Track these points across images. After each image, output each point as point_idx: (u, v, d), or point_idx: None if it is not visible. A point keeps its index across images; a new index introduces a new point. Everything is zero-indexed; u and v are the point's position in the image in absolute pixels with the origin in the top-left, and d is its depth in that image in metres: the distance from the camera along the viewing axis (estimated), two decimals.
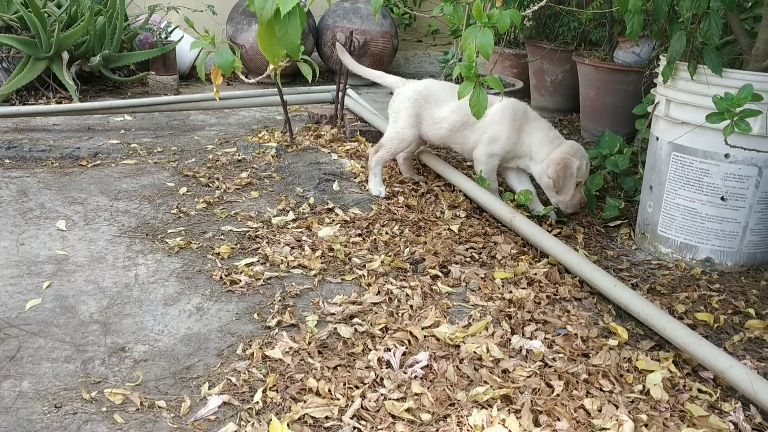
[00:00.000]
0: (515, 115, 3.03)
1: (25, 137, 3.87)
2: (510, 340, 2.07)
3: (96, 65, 4.78)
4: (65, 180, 3.29)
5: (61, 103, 4.54)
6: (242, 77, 3.50)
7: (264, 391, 1.82)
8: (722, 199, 2.54)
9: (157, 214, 2.95)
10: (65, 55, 4.66)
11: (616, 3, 2.63)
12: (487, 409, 1.76)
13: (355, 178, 3.39)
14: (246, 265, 2.51)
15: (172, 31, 5.32)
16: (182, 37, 5.32)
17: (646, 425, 1.71)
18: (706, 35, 2.35)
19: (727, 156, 2.48)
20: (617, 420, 1.71)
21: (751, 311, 2.30)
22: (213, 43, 3.05)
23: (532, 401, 1.78)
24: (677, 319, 2.13)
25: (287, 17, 1.43)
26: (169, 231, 2.77)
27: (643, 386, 1.86)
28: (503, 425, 1.69)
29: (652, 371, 1.92)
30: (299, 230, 2.80)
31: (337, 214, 2.95)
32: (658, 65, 2.73)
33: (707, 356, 1.89)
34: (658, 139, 2.71)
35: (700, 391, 1.88)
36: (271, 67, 3.31)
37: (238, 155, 3.69)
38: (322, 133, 4.02)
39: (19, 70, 4.60)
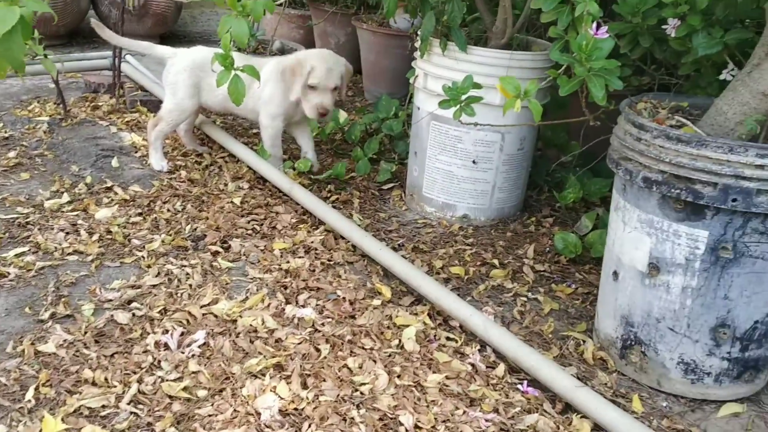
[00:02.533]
0: (286, 71, 3.06)
1: None
2: (284, 309, 2.22)
3: None
4: None
5: None
6: None
7: (36, 388, 1.83)
8: (473, 162, 2.85)
9: None
10: None
11: None
12: (260, 378, 1.91)
13: (136, 152, 3.34)
14: (16, 255, 2.43)
15: None
16: None
17: (398, 376, 1.96)
18: (450, 17, 2.60)
19: (475, 125, 2.79)
20: (374, 374, 1.94)
21: (496, 262, 2.66)
22: None
23: (301, 366, 1.96)
24: (434, 275, 2.41)
25: (8, 35, 1.37)
26: None
27: (399, 341, 2.12)
28: (274, 392, 1.85)
29: (408, 326, 2.18)
30: (75, 213, 2.73)
31: (116, 193, 2.91)
32: (418, 40, 2.96)
33: (453, 307, 2.18)
34: (419, 108, 2.97)
35: (448, 339, 2.17)
36: None
37: (5, 132, 3.45)
38: (100, 103, 3.86)
39: None
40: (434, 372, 1.99)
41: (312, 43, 4.97)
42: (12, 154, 3.20)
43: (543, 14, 2.17)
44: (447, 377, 1.97)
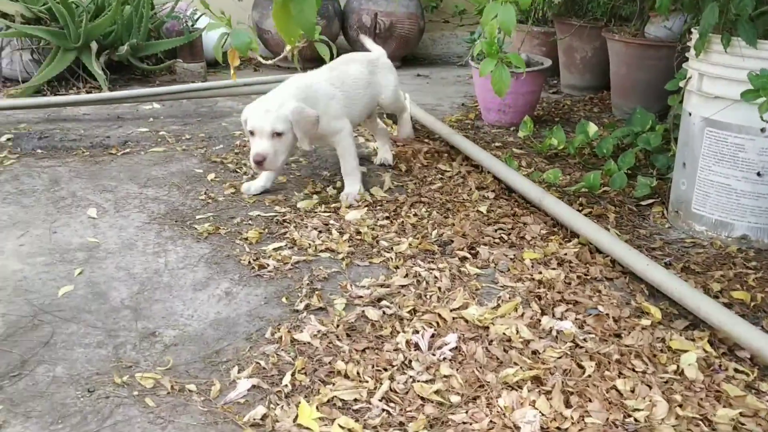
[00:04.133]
0: None
1: (56, 127, 3.93)
2: (540, 321, 2.04)
3: (124, 54, 4.81)
4: (95, 168, 3.32)
5: (90, 92, 4.59)
6: (260, 59, 3.46)
7: (293, 374, 1.82)
8: (758, 174, 2.46)
9: (186, 200, 2.96)
10: (94, 45, 4.70)
11: None
12: (517, 390, 1.74)
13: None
14: (274, 249, 2.52)
15: (198, 19, 5.33)
16: (207, 24, 5.33)
17: (680, 406, 1.67)
18: (738, 6, 2.27)
19: (763, 130, 2.41)
20: (650, 401, 1.68)
21: None
22: (230, 24, 3.03)
23: (563, 382, 1.76)
24: (712, 298, 2.08)
25: None
26: (197, 217, 2.79)
27: (678, 366, 1.83)
28: (533, 407, 1.67)
29: (686, 351, 1.88)
30: (327, 214, 2.79)
31: (364, 198, 2.93)
32: (690, 39, 2.65)
33: (744, 335, 1.84)
34: (690, 114, 2.64)
35: (736, 370, 1.84)
36: (288, 47, 3.28)
37: None
38: None
39: (49, 61, 4.66)
40: (725, 406, 1.68)
41: (555, 59, 4.77)
42: None
43: None
44: (741, 414, 1.65)
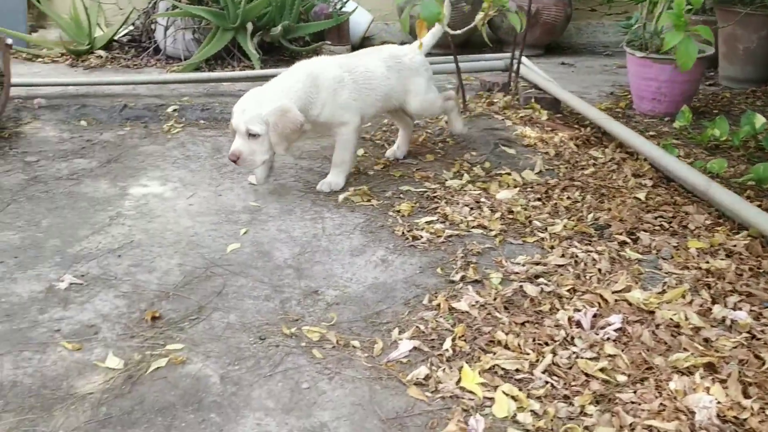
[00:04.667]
0: None
1: (215, 101, 4.15)
2: (711, 309, 1.95)
3: (276, 35, 5.01)
4: None
5: (244, 71, 4.81)
6: (449, 30, 3.43)
7: (453, 340, 1.84)
8: None
9: None
10: (249, 26, 4.93)
11: None
12: (688, 376, 1.67)
13: (531, 144, 3.32)
14: (426, 222, 2.55)
15: (345, 3, 5.46)
16: (356, 8, 5.45)
17: None
18: None
19: None
20: None
21: None
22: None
23: (740, 372, 1.67)
24: None
25: None
26: (350, 188, 2.86)
27: None
28: (708, 393, 1.60)
29: None
30: (477, 192, 2.79)
31: (514, 179, 2.91)
32: None
33: None
34: None
35: None
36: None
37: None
38: (495, 100, 3.96)
39: (209, 40, 4.93)
40: None
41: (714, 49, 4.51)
42: (420, 138, 3.43)
43: None
44: None
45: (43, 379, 1.71)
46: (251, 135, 2.55)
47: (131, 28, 5.80)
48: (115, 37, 5.70)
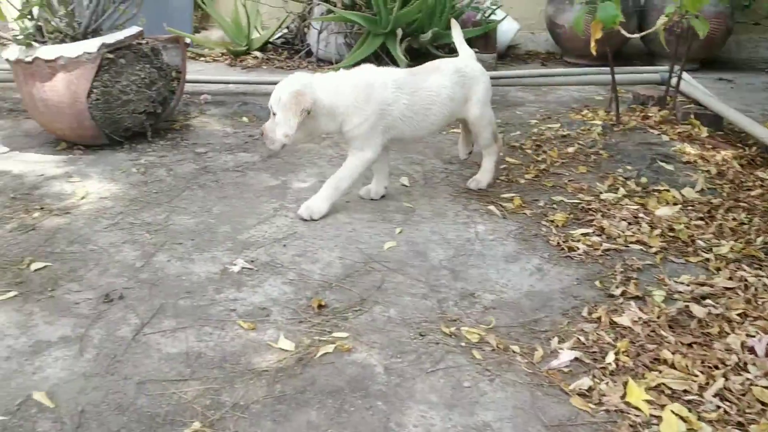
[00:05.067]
0: None
1: None
2: None
3: (425, 42, 5.10)
4: (403, 143, 3.58)
5: None
6: (624, 33, 3.38)
7: (616, 354, 1.82)
8: None
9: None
10: (399, 32, 5.05)
11: None
12: None
13: (691, 161, 3.19)
14: (582, 234, 2.52)
15: (494, 11, 5.47)
16: (505, 17, 5.45)
17: None
18: None
19: None
20: None
21: None
22: None
23: None
24: None
25: None
26: (501, 195, 2.88)
27: None
28: None
29: None
30: (634, 207, 2.73)
31: (674, 196, 2.81)
32: None
33: None
34: None
35: None
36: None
37: (563, 131, 3.69)
38: (650, 114, 3.84)
39: (360, 45, 5.10)
40: None
41: None
42: (570, 149, 3.39)
43: None
44: None
45: (224, 353, 1.85)
46: (272, 113, 2.59)
47: (285, 31, 6.10)
48: (270, 40, 6.01)
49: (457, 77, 2.80)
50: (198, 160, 3.30)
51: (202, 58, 5.77)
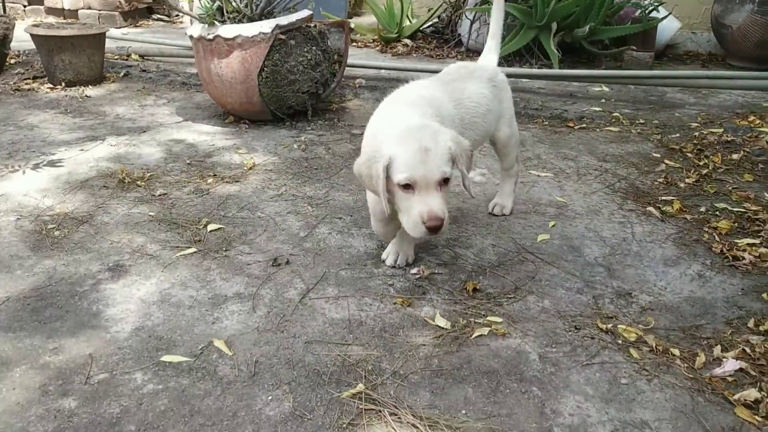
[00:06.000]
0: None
1: (516, 96, 4.27)
2: None
3: (581, 36, 5.00)
4: (555, 137, 3.55)
5: (542, 69, 4.88)
6: None
7: None
8: None
9: (645, 180, 3.00)
10: (554, 26, 4.98)
11: None
12: None
13: None
14: (748, 244, 2.41)
15: (655, 8, 5.27)
16: (668, 15, 5.23)
17: None
18: None
19: None
20: None
21: None
22: None
23: None
24: None
25: None
26: (660, 198, 2.80)
27: None
28: None
29: None
30: None
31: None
32: None
33: None
34: None
35: None
36: None
37: (726, 136, 3.52)
38: None
39: (512, 37, 5.08)
40: None
41: None
42: (735, 156, 3.24)
43: None
44: None
45: (383, 324, 1.94)
46: (440, 182, 1.89)
47: (436, 20, 6.17)
48: (421, 28, 6.11)
49: (492, 84, 2.42)
50: (354, 140, 3.43)
51: (354, 44, 5.95)
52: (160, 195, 2.75)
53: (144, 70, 4.85)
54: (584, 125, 3.76)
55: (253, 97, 3.49)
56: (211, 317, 1.96)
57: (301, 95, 3.59)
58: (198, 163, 3.11)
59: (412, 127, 1.88)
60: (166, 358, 1.77)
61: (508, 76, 4.54)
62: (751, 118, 3.82)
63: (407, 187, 1.84)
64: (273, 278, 2.17)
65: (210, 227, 2.48)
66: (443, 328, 1.93)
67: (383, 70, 4.78)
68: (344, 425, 1.56)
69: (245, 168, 3.05)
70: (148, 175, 2.94)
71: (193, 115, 3.85)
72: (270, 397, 1.64)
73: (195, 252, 2.31)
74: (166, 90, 4.44)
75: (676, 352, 1.84)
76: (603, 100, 4.27)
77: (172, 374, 1.71)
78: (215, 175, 2.96)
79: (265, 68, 3.42)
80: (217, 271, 2.20)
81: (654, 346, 1.85)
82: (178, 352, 1.79)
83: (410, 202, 1.85)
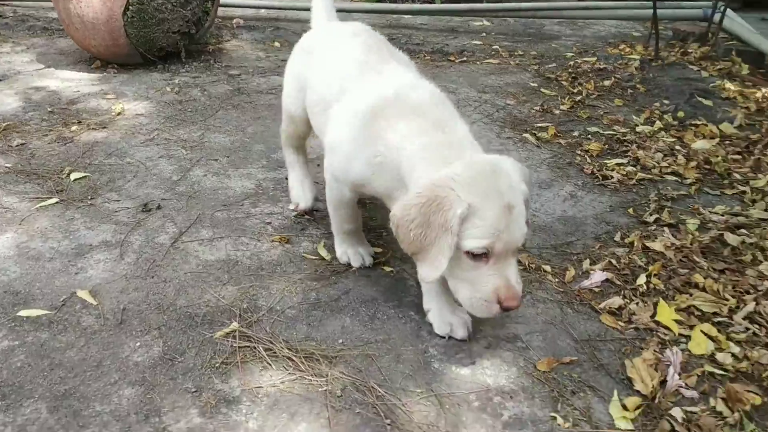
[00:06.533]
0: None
1: (399, 33, 4.23)
2: None
3: None
4: (437, 71, 3.54)
5: (424, 5, 4.85)
6: None
7: (648, 277, 1.83)
8: None
9: (522, 109, 3.05)
10: None
11: None
12: None
13: (730, 98, 3.13)
14: (616, 164, 2.50)
15: None
16: None
17: None
18: None
19: None
20: None
21: None
22: None
23: None
24: None
25: None
26: (535, 125, 2.86)
27: None
28: None
29: None
30: (671, 140, 2.70)
31: (711, 131, 2.77)
32: None
33: None
34: None
35: None
36: None
37: (599, 64, 3.62)
38: (690, 50, 3.76)
39: None
40: None
41: None
42: (607, 82, 3.34)
43: None
44: None
45: (260, 262, 1.89)
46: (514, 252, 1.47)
47: None
48: None
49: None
50: (231, 81, 3.30)
51: None
52: (17, 145, 2.55)
53: None
54: (465, 58, 3.77)
55: (119, 38, 3.28)
56: (74, 268, 1.84)
57: (173, 35, 3.40)
58: (61, 111, 2.90)
59: (486, 169, 1.43)
60: (23, 312, 1.66)
61: (391, 12, 4.51)
62: (622, 46, 3.96)
63: (479, 254, 1.42)
64: (143, 224, 2.06)
65: (74, 176, 2.33)
66: (324, 260, 1.90)
67: (263, 10, 4.61)
68: (217, 365, 1.51)
69: (113, 114, 2.87)
70: (4, 125, 2.71)
71: (56, 62, 3.58)
72: (138, 344, 1.57)
73: (57, 202, 2.16)
74: (25, 36, 4.10)
75: (548, 268, 1.89)
76: (484, 34, 4.30)
77: (30, 329, 1.60)
78: (80, 122, 2.78)
79: (130, 6, 3.21)
80: (81, 220, 2.07)
81: (527, 264, 1.90)
82: (36, 306, 1.68)
83: (479, 273, 1.41)
